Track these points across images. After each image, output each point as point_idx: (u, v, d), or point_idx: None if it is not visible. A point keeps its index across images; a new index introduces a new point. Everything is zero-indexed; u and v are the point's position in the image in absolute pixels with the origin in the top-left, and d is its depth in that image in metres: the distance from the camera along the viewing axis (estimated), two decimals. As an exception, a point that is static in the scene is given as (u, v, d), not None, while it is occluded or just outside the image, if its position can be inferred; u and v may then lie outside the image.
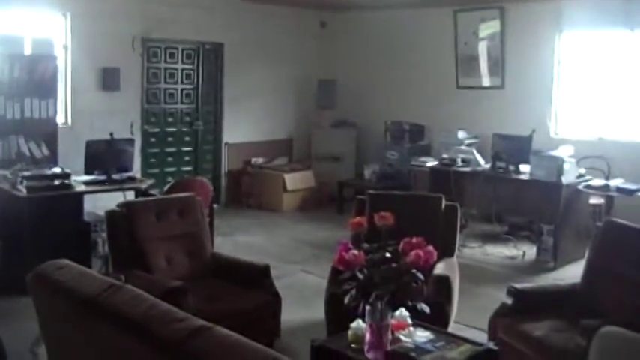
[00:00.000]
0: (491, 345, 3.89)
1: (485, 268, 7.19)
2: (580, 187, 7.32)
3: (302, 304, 5.70)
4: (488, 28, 9.48)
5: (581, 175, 7.46)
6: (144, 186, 6.87)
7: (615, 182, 7.33)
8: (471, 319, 5.22)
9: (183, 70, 9.50)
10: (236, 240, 7.94)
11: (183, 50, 9.46)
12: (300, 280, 6.57)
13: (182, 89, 9.53)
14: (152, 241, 4.90)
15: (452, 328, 4.73)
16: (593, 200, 7.69)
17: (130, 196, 6.70)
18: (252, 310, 4.68)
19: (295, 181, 9.84)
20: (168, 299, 2.55)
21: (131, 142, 7.35)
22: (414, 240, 3.61)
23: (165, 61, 9.31)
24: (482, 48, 9.57)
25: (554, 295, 4.66)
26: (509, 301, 4.45)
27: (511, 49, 9.28)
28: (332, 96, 11.07)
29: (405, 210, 4.85)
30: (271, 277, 4.94)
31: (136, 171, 7.96)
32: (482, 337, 4.39)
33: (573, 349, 3.75)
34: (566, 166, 7.17)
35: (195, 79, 9.66)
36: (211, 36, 9.60)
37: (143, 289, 2.57)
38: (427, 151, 9.48)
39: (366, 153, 10.58)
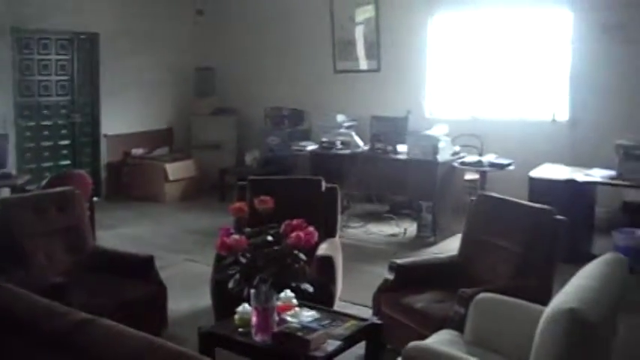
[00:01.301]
0: (375, 319, 4.02)
1: (368, 247, 7.36)
2: (455, 163, 7.61)
3: (188, 293, 5.68)
4: (364, 12, 9.65)
5: (456, 153, 7.75)
6: (20, 182, 6.66)
7: (488, 158, 7.64)
8: (356, 297, 5.35)
9: (57, 61, 9.22)
10: (119, 232, 7.81)
11: (57, 41, 9.18)
12: (186, 269, 6.54)
13: (57, 81, 9.26)
14: (31, 238, 4.76)
15: (338, 306, 4.85)
16: (468, 176, 8.00)
17: (6, 193, 6.49)
18: (138, 302, 4.64)
19: (177, 170, 9.77)
20: (50, 296, 2.52)
21: (4, 137, 7.10)
22: (295, 222, 3.67)
23: (39, 53, 9.00)
24: (358, 32, 9.74)
25: (433, 268, 4.83)
26: (391, 276, 4.59)
27: (386, 33, 9.47)
28: (210, 83, 11.02)
29: (286, 194, 4.93)
30: (156, 268, 4.90)
31: (11, 167, 7.70)
32: (367, 312, 4.51)
33: (452, 317, 3.91)
34: (441, 145, 7.42)
35: (71, 71, 9.40)
36: (86, 26, 9.36)
37: (24, 288, 2.53)
38: (307, 136, 9.59)
39: (247, 139, 10.59)
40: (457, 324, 3.79)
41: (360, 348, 3.91)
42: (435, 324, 3.92)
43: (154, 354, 2.06)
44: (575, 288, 2.81)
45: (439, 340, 3.49)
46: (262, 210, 3.87)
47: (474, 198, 5.11)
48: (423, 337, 3.59)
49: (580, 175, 6.88)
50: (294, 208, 4.14)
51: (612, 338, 3.09)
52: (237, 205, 4.03)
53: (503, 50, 8.88)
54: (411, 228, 7.88)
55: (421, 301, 4.33)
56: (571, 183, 6.74)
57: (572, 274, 3.05)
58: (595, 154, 7.45)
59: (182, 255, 6.98)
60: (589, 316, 2.58)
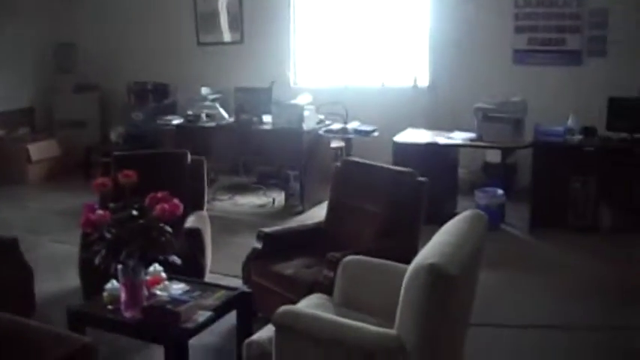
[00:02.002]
0: (245, 288, 4.04)
1: (237, 219, 7.37)
2: (321, 132, 7.69)
3: (56, 275, 5.52)
4: (227, -17, 9.59)
5: (321, 121, 7.83)
6: None
7: (352, 125, 7.77)
8: (226, 268, 5.35)
9: None
10: (-22, 218, 7.48)
11: None
12: (52, 250, 6.34)
13: None
14: None
15: (208, 278, 4.84)
16: (334, 144, 8.12)
17: None
18: (1, 286, 4.46)
19: (40, 150, 9.40)
20: None
21: None
22: (160, 195, 3.62)
23: None
24: (221, 4, 9.63)
25: (301, 235, 4.90)
26: (259, 245, 4.62)
27: (248, 4, 9.43)
28: (72, 59, 10.58)
29: (151, 168, 4.84)
30: (20, 251, 4.72)
31: None
32: (238, 283, 4.53)
33: (322, 281, 3.99)
34: (306, 113, 7.48)
35: None
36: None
37: None
38: (173, 110, 9.39)
39: (112, 116, 10.29)
40: (326, 288, 3.86)
41: (232, 317, 3.92)
42: (305, 289, 3.98)
43: (22, 335, 2.00)
44: (435, 244, 2.92)
45: (309, 304, 3.54)
46: (126, 184, 3.78)
47: (337, 164, 5.20)
48: (294, 303, 3.63)
49: (442, 139, 7.11)
50: (159, 182, 4.06)
51: (474, 289, 3.24)
52: (100, 180, 3.93)
53: (364, 19, 9.04)
54: (279, 198, 7.93)
55: (290, 267, 4.39)
56: (433, 146, 6.97)
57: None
58: (455, 118, 7.72)
59: (48, 236, 6.76)
60: (448, 269, 2.69)
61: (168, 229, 3.54)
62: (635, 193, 6.71)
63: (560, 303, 5.12)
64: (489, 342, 4.37)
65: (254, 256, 4.58)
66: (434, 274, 2.67)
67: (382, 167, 4.92)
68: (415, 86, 8.84)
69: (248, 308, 3.93)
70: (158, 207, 3.49)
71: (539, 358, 4.31)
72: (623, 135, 6.77)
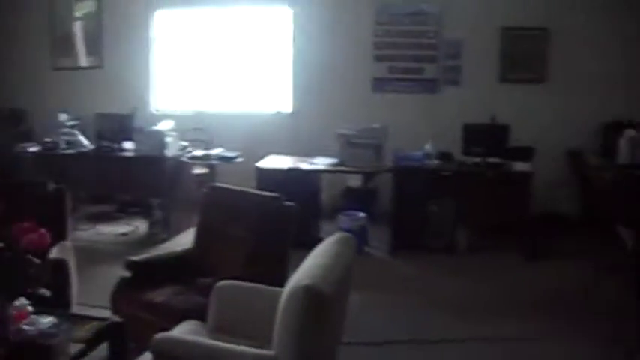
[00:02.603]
0: (116, 318, 3.97)
1: (101, 248, 7.21)
2: (184, 158, 7.65)
3: None
4: (84, 7, 9.40)
5: (184, 148, 7.79)
6: None
7: (216, 151, 7.79)
8: (94, 299, 5.16)
9: None
10: None
11: None
12: None
13: None
14: None
15: (76, 309, 4.69)
16: (197, 170, 8.08)
17: None
18: None
19: None
20: None
21: None
22: (26, 225, 3.52)
23: None
24: (78, 28, 9.44)
25: (170, 262, 4.84)
26: (127, 274, 4.55)
27: (108, 29, 9.31)
28: None
29: (10, 197, 4.67)
30: None
31: None
32: (107, 313, 4.42)
33: (194, 307, 3.98)
34: (168, 140, 7.42)
35: None
36: None
37: None
38: (29, 137, 9.08)
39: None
40: (199, 314, 3.86)
41: (103, 349, 3.84)
42: (178, 316, 3.94)
43: None
44: (309, 266, 3.00)
45: (183, 330, 3.53)
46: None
47: (204, 190, 5.20)
48: (167, 330, 3.60)
49: (304, 164, 7.25)
50: (19, 212, 3.95)
51: (345, 309, 3.34)
52: (-41, 211, 3.77)
53: (228, 46, 9.12)
54: (142, 226, 7.82)
55: (161, 295, 4.35)
56: (296, 172, 7.10)
57: (302, 258, 3.23)
58: (317, 144, 7.91)
59: None
60: (323, 289, 2.77)
61: (37, 260, 3.44)
62: (488, 215, 7.08)
63: (421, 319, 5.36)
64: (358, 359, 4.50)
65: (122, 285, 4.51)
66: (310, 294, 2.74)
67: (250, 192, 4.98)
68: (278, 113, 8.98)
69: (121, 338, 3.85)
70: (26, 238, 3.39)
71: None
72: (477, 160, 7.14)
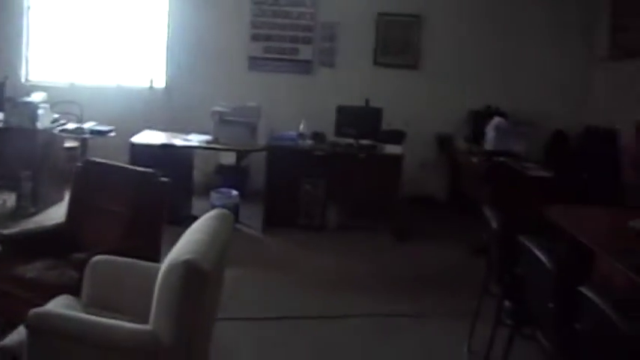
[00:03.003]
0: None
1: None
2: (55, 131, 7.46)
3: None
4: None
5: (55, 120, 7.60)
6: None
7: (88, 125, 7.65)
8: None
9: None
10: None
11: None
12: None
13: None
14: None
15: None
16: (68, 143, 7.91)
17: None
18: None
19: None
20: None
21: None
22: None
23: None
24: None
25: (41, 237, 4.74)
26: (-2, 248, 4.44)
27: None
28: None
29: None
30: None
31: None
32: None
33: (68, 283, 3.94)
34: (40, 112, 7.22)
35: None
36: None
37: None
38: None
39: None
40: (73, 289, 3.82)
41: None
42: (51, 291, 3.88)
43: None
44: (188, 242, 3.05)
45: (58, 305, 3.50)
46: None
47: (79, 164, 5.12)
48: (39, 306, 3.56)
49: (178, 140, 7.23)
50: None
51: (222, 285, 3.42)
52: None
53: (103, 18, 8.91)
54: (9, 199, 7.57)
55: (32, 270, 4.26)
56: (170, 148, 7.06)
57: (175, 234, 3.27)
58: (191, 120, 7.89)
59: None
60: (202, 265, 2.83)
61: None
62: (359, 195, 7.31)
63: (293, 295, 5.49)
64: (231, 335, 4.58)
65: (-8, 260, 4.39)
66: (189, 269, 2.80)
67: (125, 168, 4.95)
68: (152, 87, 8.89)
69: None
70: None
71: (281, 347, 4.58)
72: (350, 141, 7.34)
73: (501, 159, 7.17)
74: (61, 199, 7.35)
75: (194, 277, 2.82)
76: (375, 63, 8.97)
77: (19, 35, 8.96)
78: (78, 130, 7.58)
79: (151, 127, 7.70)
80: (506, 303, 3.89)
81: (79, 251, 4.15)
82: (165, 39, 8.87)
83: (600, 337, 2.67)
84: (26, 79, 8.96)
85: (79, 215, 4.80)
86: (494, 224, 4.03)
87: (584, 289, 2.75)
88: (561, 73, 8.91)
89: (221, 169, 8.45)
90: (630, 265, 3.30)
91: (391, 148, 7.39)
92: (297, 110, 7.97)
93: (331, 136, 7.46)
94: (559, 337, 3.06)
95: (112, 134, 7.59)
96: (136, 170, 4.94)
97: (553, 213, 4.52)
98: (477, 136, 8.06)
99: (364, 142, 7.33)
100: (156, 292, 2.98)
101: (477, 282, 4.54)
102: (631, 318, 2.46)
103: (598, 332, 2.69)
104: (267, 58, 8.90)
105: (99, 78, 9.00)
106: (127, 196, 4.61)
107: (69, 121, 7.74)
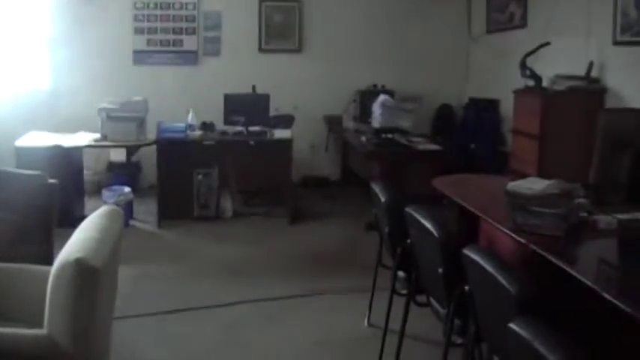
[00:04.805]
0: None
1: None
2: None
3: None
4: None
5: None
6: None
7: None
8: None
9: None
10: None
11: None
12: None
13: None
14: None
15: None
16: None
17: None
18: None
19: None
20: None
21: None
22: None
23: None
24: None
25: None
26: None
27: None
28: None
29: None
30: None
31: None
32: None
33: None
34: None
35: None
36: None
37: None
38: None
39: None
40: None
41: None
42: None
43: None
44: (77, 240, 3.01)
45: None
46: None
47: (-40, 172, 4.95)
48: None
49: (66, 140, 7.07)
50: None
51: (116, 282, 3.40)
52: None
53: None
54: None
55: None
56: (58, 148, 6.88)
57: (67, 237, 3.22)
58: (80, 119, 7.71)
59: None
60: (93, 262, 2.81)
61: None
62: (252, 181, 7.36)
63: (191, 286, 5.50)
64: (133, 332, 4.55)
65: None
66: (80, 268, 2.76)
67: (10, 172, 4.84)
68: (35, 89, 8.66)
69: None
70: None
71: (182, 339, 4.58)
72: (239, 128, 7.35)
73: (389, 136, 7.33)
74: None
75: (86, 276, 2.79)
76: (260, 50, 9.01)
77: None
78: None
79: (36, 130, 7.48)
80: (400, 274, 4.02)
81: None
82: (47, 39, 8.62)
83: (487, 297, 2.81)
84: None
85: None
86: (382, 198, 4.14)
87: (467, 251, 2.88)
88: (444, 49, 9.18)
89: (112, 167, 8.32)
90: (510, 227, 3.45)
91: (281, 133, 7.44)
92: (185, 101, 7.92)
93: (220, 125, 7.45)
94: (450, 301, 3.18)
95: (-5, 139, 7.35)
96: (22, 174, 4.82)
97: (439, 183, 4.67)
98: (364, 115, 8.22)
99: (253, 128, 7.36)
100: (48, 294, 2.93)
101: (372, 257, 4.66)
102: (513, 275, 2.59)
103: (484, 292, 2.82)
104: (152, 51, 8.80)
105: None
106: (15, 201, 4.49)
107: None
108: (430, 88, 9.02)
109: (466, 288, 2.98)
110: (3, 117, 7.95)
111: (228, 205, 7.42)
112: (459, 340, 3.25)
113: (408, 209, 3.63)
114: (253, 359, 4.35)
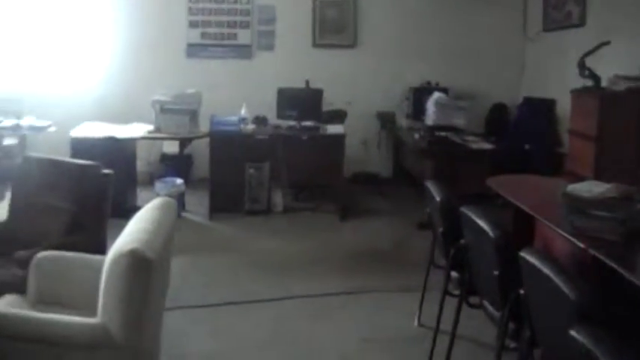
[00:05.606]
0: None
1: None
2: (-8, 129, 7.33)
3: None
4: None
5: (-9, 118, 7.45)
6: None
7: (27, 121, 7.50)
8: None
9: None
10: None
11: None
12: None
13: None
14: None
15: None
16: (7, 141, 7.75)
17: None
18: None
19: None
20: None
21: None
22: None
23: None
24: None
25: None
26: None
27: None
28: None
29: None
30: None
31: None
32: None
33: (12, 281, 3.88)
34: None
35: None
36: None
37: None
38: None
39: None
40: (18, 287, 3.78)
41: None
42: (-7, 290, 3.85)
43: None
44: (132, 231, 3.03)
45: (3, 304, 3.46)
46: None
47: (18, 161, 5.04)
48: (-17, 306, 3.52)
49: (120, 132, 7.14)
50: None
51: (168, 273, 3.41)
52: None
53: (41, 13, 8.70)
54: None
55: (-21, 271, 4.20)
56: (111, 139, 6.96)
57: (120, 227, 3.25)
58: (133, 111, 7.79)
59: None
60: (147, 254, 2.82)
61: None
62: (303, 177, 7.35)
63: (242, 280, 5.51)
64: (182, 323, 4.57)
65: None
66: (134, 259, 2.79)
67: (66, 162, 4.88)
68: (93, 80, 8.77)
69: None
70: None
71: (232, 332, 4.59)
72: (292, 123, 7.35)
73: (442, 134, 7.26)
74: (1, 197, 7.21)
75: (139, 267, 2.81)
76: (314, 44, 8.99)
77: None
78: (15, 127, 7.43)
79: (90, 120, 7.58)
80: (453, 274, 3.96)
81: (23, 249, 4.09)
82: (104, 31, 8.74)
83: (544, 301, 2.74)
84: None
85: (21, 212, 4.72)
86: (437, 197, 4.09)
87: (525, 254, 2.82)
88: (498, 46, 9.06)
89: (164, 158, 8.38)
90: (568, 230, 3.38)
91: (333, 128, 7.42)
92: (238, 95, 7.92)
93: (273, 119, 7.46)
94: (505, 304, 3.12)
95: (52, 129, 7.46)
96: (77, 164, 4.87)
97: (494, 183, 4.61)
98: (417, 112, 8.15)
99: (306, 123, 7.35)
100: (102, 284, 2.96)
101: (423, 256, 4.61)
102: (572, 280, 2.53)
103: (541, 296, 2.76)
104: (206, 45, 8.85)
105: (39, 73, 8.78)
106: (70, 190, 4.55)
107: (6, 117, 7.56)
108: (483, 87, 8.91)
109: (521, 291, 2.92)
110: (59, 108, 8.06)
111: (278, 199, 7.43)
112: (512, 344, 3.18)
113: (464, 209, 3.58)
114: (299, 355, 4.33)
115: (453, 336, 3.81)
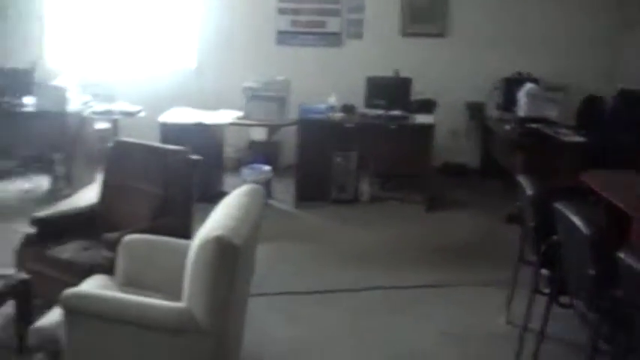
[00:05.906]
0: (22, 275, 3.92)
1: (4, 205, 7.02)
2: (86, 113, 7.49)
3: None
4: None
5: (86, 102, 7.61)
6: None
7: (118, 106, 7.66)
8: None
9: None
10: None
11: None
12: None
13: None
14: None
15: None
16: (99, 125, 7.93)
17: None
18: None
19: None
20: None
21: None
22: None
23: None
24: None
25: (75, 218, 4.79)
26: (32, 230, 4.48)
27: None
28: None
29: None
30: None
31: None
32: (11, 271, 4.34)
33: (101, 262, 3.97)
34: (70, 95, 7.25)
35: None
36: None
37: None
38: None
39: None
40: (107, 269, 3.86)
41: (9, 306, 3.80)
42: (84, 272, 3.92)
43: None
44: (219, 217, 3.04)
45: (92, 285, 3.53)
46: None
47: (110, 145, 5.14)
48: (73, 286, 3.58)
49: (208, 118, 7.21)
50: None
51: (254, 260, 3.42)
52: None
53: (129, 2, 8.89)
54: (45, 182, 7.65)
55: (67, 251, 4.31)
56: (200, 125, 7.03)
57: (206, 212, 3.26)
58: (222, 98, 7.86)
59: None
60: (233, 240, 2.83)
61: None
62: (391, 166, 7.27)
63: (327, 268, 5.50)
64: (266, 310, 4.58)
65: (28, 242, 4.43)
66: (221, 245, 2.79)
67: (155, 147, 4.97)
68: (183, 67, 8.90)
69: (27, 295, 3.82)
70: None
71: (313, 323, 4.58)
72: (380, 112, 7.27)
73: (534, 125, 7.06)
74: (93, 180, 7.39)
75: (226, 253, 2.82)
76: (403, 33, 8.87)
77: (43, 20, 8.94)
78: (108, 112, 7.60)
79: (181, 106, 7.67)
80: (543, 271, 3.84)
81: (112, 231, 4.17)
82: (194, 18, 8.84)
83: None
84: (54, 63, 8.96)
85: (111, 195, 4.83)
86: (529, 191, 3.96)
87: (623, 255, 2.69)
88: (592, 36, 8.73)
89: (252, 145, 8.42)
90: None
91: (422, 118, 7.31)
92: (327, 83, 7.89)
93: (361, 108, 7.40)
94: (600, 305, 2.99)
95: (142, 114, 7.60)
96: (166, 149, 4.94)
97: (588, 178, 4.44)
98: (508, 103, 7.94)
99: (394, 112, 7.26)
100: (188, 268, 2.98)
101: (511, 251, 4.49)
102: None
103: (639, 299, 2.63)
104: (295, 32, 8.85)
105: (129, 59, 8.98)
106: (158, 174, 4.63)
107: (99, 102, 7.74)
108: (576, 78, 8.60)
109: (618, 293, 2.80)
110: (151, 93, 8.19)
111: (365, 188, 7.37)
112: (605, 347, 3.06)
113: (558, 205, 3.45)
114: (375, 345, 4.28)
115: (542, 335, 3.69)
